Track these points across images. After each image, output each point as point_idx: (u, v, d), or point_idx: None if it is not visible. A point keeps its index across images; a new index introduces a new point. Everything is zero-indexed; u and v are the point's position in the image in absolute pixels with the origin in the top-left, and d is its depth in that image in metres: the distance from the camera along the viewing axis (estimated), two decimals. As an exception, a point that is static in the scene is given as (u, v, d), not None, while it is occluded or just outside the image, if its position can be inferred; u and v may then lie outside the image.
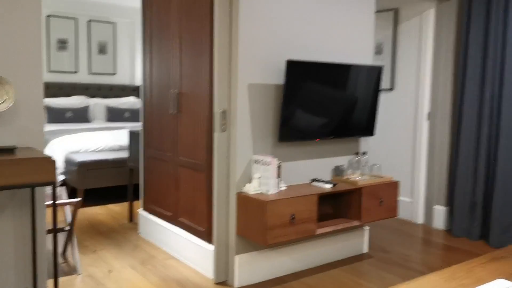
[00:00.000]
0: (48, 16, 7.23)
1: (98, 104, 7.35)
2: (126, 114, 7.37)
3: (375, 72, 3.67)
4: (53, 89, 7.21)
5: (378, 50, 5.12)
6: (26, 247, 2.55)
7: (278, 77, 3.30)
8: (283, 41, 3.31)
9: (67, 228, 3.56)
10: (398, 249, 4.05)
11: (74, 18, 7.47)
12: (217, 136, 3.20)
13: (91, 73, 7.68)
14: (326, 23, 3.52)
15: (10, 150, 2.22)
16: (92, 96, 7.53)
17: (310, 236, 3.37)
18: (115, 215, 4.90)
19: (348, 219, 3.48)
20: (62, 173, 5.34)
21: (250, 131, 3.21)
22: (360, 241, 3.89)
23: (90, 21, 7.62)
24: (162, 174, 3.96)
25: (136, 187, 5.28)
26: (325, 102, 3.42)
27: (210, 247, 3.33)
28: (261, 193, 3.13)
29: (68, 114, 6.87)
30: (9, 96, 2.24)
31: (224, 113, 3.19)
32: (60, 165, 5.34)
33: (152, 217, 4.08)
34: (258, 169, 3.17)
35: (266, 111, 3.27)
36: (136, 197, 5.20)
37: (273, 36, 3.25)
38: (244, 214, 3.12)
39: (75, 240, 3.54)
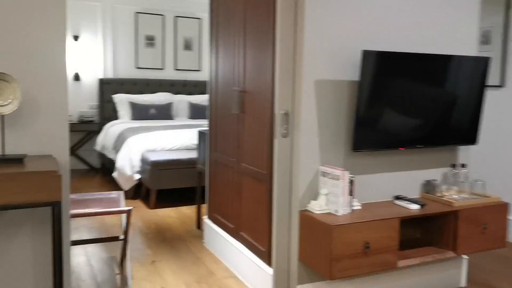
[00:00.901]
0: (137, 13, 7.13)
1: (181, 101, 7.12)
2: (207, 111, 7.05)
3: (480, 65, 2.88)
4: (140, 86, 7.10)
5: (485, 40, 4.21)
6: (47, 265, 2.21)
7: (352, 72, 2.67)
8: (357, 29, 2.66)
9: (122, 237, 3.24)
10: (506, 285, 3.21)
11: (161, 15, 7.30)
12: (277, 142, 2.66)
13: (176, 69, 7.48)
14: (414, 7, 2.80)
15: (17, 160, 1.87)
16: (177, 93, 7.33)
17: (389, 270, 2.71)
18: (185, 220, 4.55)
19: (440, 248, 2.75)
20: (137, 172, 5.11)
21: (317, 137, 2.62)
22: (456, 272, 3.12)
23: (176, 17, 7.42)
24: (226, 181, 3.50)
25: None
26: (413, 102, 2.72)
27: (270, 271, 2.80)
28: (328, 213, 2.54)
29: (152, 111, 6.71)
30: (15, 97, 1.88)
31: (286, 116, 2.64)
32: (136, 164, 5.12)
33: (216, 227, 3.64)
34: (326, 183, 2.58)
35: (337, 113, 2.66)
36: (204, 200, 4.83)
37: (346, 23, 2.62)
38: (308, 238, 2.54)
39: (128, 250, 3.21)
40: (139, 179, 5.12)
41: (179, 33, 7.44)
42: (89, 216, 2.97)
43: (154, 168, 4.85)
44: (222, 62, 3.55)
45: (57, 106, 2.09)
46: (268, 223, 2.83)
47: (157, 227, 4.32)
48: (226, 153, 3.47)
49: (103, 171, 6.73)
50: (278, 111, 2.65)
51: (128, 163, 5.12)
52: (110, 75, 7.00)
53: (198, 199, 4.30)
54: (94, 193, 3.49)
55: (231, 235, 3.38)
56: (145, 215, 4.68)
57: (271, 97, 2.76)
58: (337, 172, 2.50)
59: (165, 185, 4.92)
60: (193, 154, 5.09)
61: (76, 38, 6.73)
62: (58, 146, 2.10)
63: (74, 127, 6.50)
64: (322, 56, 2.59)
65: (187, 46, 7.53)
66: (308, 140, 2.60)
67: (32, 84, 2.05)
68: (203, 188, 4.18)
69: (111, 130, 6.17)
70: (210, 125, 3.80)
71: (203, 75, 7.68)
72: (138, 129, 5.78)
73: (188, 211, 4.85)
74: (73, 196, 3.36)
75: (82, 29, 6.80)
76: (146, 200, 5.15)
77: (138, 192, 5.33)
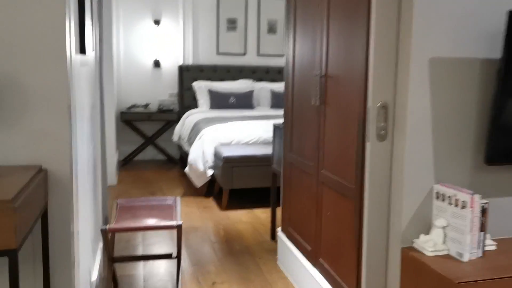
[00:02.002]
0: (218, -5, 6.50)
1: (263, 89, 6.40)
2: (293, 100, 6.26)
3: None
4: (220, 73, 6.49)
5: None
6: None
7: (487, 45, 1.75)
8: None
9: (174, 255, 2.60)
10: None
11: (244, -4, 6.61)
12: (371, 147, 1.83)
13: (259, 54, 6.77)
14: None
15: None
16: (259, 79, 6.62)
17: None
18: (258, 227, 3.84)
19: None
20: (210, 168, 4.49)
21: (431, 141, 1.75)
22: None
23: (260, -2, 6.68)
24: (302, 190, 2.72)
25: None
26: None
27: (357, 321, 2.00)
28: (447, 257, 1.67)
29: (231, 100, 6.07)
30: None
31: (384, 110, 1.79)
32: (209, 159, 4.50)
33: (291, 245, 2.88)
34: (444, 210, 1.70)
35: (462, 106, 1.76)
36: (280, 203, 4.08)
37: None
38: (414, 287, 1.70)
39: (180, 271, 2.56)
40: (212, 175, 4.50)
41: (262, 15, 6.70)
42: (128, 231, 2.36)
43: (226, 165, 4.19)
44: (300, 42, 2.75)
45: (53, 96, 1.44)
46: (356, 256, 2.02)
47: (226, 234, 3.65)
48: (304, 155, 2.68)
49: (182, 163, 6.23)
50: (373, 104, 1.81)
51: (201, 157, 4.52)
52: (190, 61, 6.47)
53: (273, 203, 3.56)
54: (147, 198, 2.88)
55: (308, 259, 2.60)
56: (215, 217, 4.05)
57: (363, 83, 1.93)
58: (462, 195, 1.62)
59: (238, 184, 4.25)
60: (271, 150, 4.36)
61: (157, 22, 6.26)
62: (54, 152, 1.45)
63: (153, 116, 6.06)
64: (441, 22, 1.70)
65: (271, 29, 6.78)
66: (417, 145, 1.74)
67: (17, 66, 1.42)
68: (278, 189, 3.44)
69: (188, 120, 5.63)
70: (286, 120, 3.03)
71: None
72: (214, 119, 5.16)
73: (263, 215, 4.14)
74: (120, 201, 2.77)
75: (163, 13, 6.32)
76: (219, 198, 4.52)
77: (211, 189, 4.72)
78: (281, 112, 5.79)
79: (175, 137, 5.88)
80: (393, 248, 1.82)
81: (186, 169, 4.67)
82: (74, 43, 1.77)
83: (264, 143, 4.66)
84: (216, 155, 4.42)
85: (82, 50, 1.96)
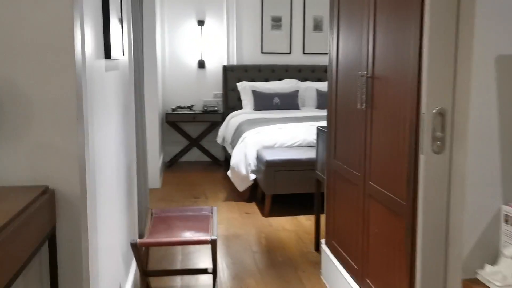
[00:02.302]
0: (263, -7, 6.30)
1: (308, 88, 6.14)
2: (340, 99, 5.96)
3: None
4: (265, 72, 6.30)
5: None
6: None
7: None
8: None
9: (210, 270, 2.43)
10: None
11: (289, -7, 6.38)
12: (425, 159, 1.57)
13: (305, 53, 6.51)
14: None
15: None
16: (305, 79, 6.36)
17: None
18: (302, 235, 3.61)
19: None
20: (253, 172, 4.31)
21: (497, 154, 1.47)
22: None
23: (306, -6, 6.43)
24: (348, 201, 2.48)
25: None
26: None
27: None
28: (518, 292, 1.39)
29: (275, 100, 5.85)
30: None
31: (441, 117, 1.53)
32: (252, 162, 4.32)
33: (335, 260, 2.64)
34: (514, 237, 1.42)
35: (539, 113, 1.47)
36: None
37: None
38: (477, 327, 1.43)
39: (216, 286, 2.39)
40: (255, 180, 4.31)
41: (308, 12, 6.44)
42: (158, 246, 2.21)
43: (269, 169, 3.99)
44: (344, 40, 2.51)
45: (60, 107, 1.29)
46: (408, 283, 1.76)
47: (268, 243, 3.46)
48: (349, 163, 2.43)
49: (226, 165, 6.10)
50: (428, 109, 1.55)
51: (243, 161, 4.34)
52: (234, 61, 6.32)
53: (317, 210, 3.33)
54: (183, 208, 2.73)
55: (354, 279, 2.35)
56: (257, 224, 3.86)
57: (415, 85, 1.66)
58: (539, 220, 1.34)
59: (281, 189, 4.04)
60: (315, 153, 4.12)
61: (201, 23, 6.15)
62: (62, 170, 1.30)
63: (198, 117, 5.95)
64: (511, 11, 1.42)
65: (317, 26, 6.50)
66: (481, 158, 1.47)
67: (19, 75, 1.28)
68: (323, 195, 3.20)
69: (231, 122, 5.47)
70: (329, 123, 2.79)
71: (335, 58, 6.58)
72: (257, 121, 4.97)
73: (307, 222, 3.90)
74: (155, 211, 2.63)
75: (207, 13, 6.20)
76: (262, 203, 4.33)
77: (254, 193, 4.54)
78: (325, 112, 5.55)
79: (219, 139, 5.75)
80: (452, 278, 1.55)
81: (229, 173, 4.51)
82: (94, 49, 1.63)
83: (309, 146, 4.42)
84: (259, 158, 4.23)
85: (107, 55, 1.82)
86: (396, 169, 1.87)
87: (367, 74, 2.15)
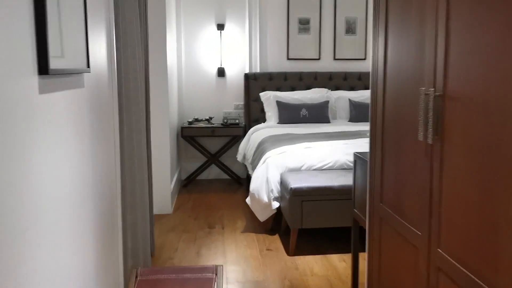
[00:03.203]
0: (289, -7, 5.64)
1: (340, 98, 5.42)
2: (376, 111, 5.22)
3: None
4: (291, 81, 5.62)
5: None
6: None
7: None
8: None
9: None
10: None
11: (318, -7, 5.70)
12: None
13: (336, 58, 5.80)
14: None
15: None
16: (336, 88, 5.65)
17: None
18: (336, 283, 2.91)
19: None
20: (276, 199, 3.64)
21: None
22: None
23: (336, -6, 5.73)
24: (401, 265, 1.78)
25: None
26: None
27: None
28: None
29: (303, 112, 5.16)
30: None
31: None
32: (275, 188, 3.65)
33: (381, 338, 1.94)
34: None
35: None
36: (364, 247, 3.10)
37: None
38: None
39: None
40: (278, 208, 3.64)
41: (339, 13, 5.73)
42: None
43: (294, 199, 3.31)
44: (396, 44, 1.81)
45: None
46: None
47: (293, 293, 2.78)
48: (403, 214, 1.74)
49: (248, 184, 5.45)
50: None
51: (264, 186, 3.67)
52: (257, 68, 5.67)
53: (355, 250, 2.63)
54: (179, 267, 2.09)
55: None
56: (280, 265, 3.18)
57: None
58: None
59: (309, 223, 3.35)
60: (351, 179, 3.41)
61: (221, 27, 5.53)
62: None
63: (217, 131, 5.32)
64: None
65: (350, 29, 5.78)
66: None
67: None
68: (361, 230, 2.50)
69: (253, 138, 4.82)
70: (372, 153, 2.10)
71: (369, 65, 5.84)
72: (282, 138, 4.30)
73: (342, 264, 3.20)
74: (142, 271, 1.99)
75: (227, 17, 5.58)
76: (286, 236, 3.65)
77: (277, 224, 3.86)
78: (362, 126, 4.81)
79: (239, 156, 5.10)
80: None
81: (248, 200, 3.85)
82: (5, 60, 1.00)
83: (342, 168, 3.72)
84: (283, 184, 3.55)
85: (43, 68, 1.19)
86: (490, 238, 1.17)
87: (434, 91, 1.46)
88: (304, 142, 3.99)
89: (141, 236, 2.77)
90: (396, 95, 1.82)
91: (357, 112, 5.25)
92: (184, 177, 5.71)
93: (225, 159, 5.68)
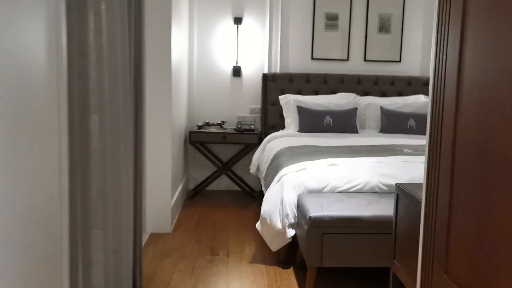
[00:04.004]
0: (316, -15, 4.99)
1: (370, 105, 4.74)
2: (410, 123, 4.53)
3: None
4: (315, 84, 4.97)
5: None
6: None
7: None
8: None
9: None
10: None
11: (348, -14, 5.03)
12: None
13: (366, 60, 5.12)
14: None
15: None
16: (365, 93, 4.97)
17: None
18: None
19: None
20: (291, 226, 3.00)
21: None
22: None
23: (370, -13, 5.05)
24: None
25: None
26: None
27: None
28: None
29: (327, 120, 4.51)
30: None
31: None
32: (290, 212, 3.01)
33: None
34: None
35: None
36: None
37: None
38: None
39: None
40: (294, 237, 3.01)
41: (372, 9, 5.05)
42: None
43: (314, 230, 2.67)
44: (482, 47, 1.16)
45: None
46: None
47: None
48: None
49: (261, 197, 4.83)
50: None
51: (278, 209, 3.05)
52: (277, 69, 5.04)
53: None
54: None
55: None
56: (293, 313, 2.55)
57: None
58: None
59: (330, 260, 2.70)
60: (386, 208, 2.76)
61: (238, 21, 4.92)
62: None
63: (230, 138, 4.71)
64: None
65: (383, 27, 5.10)
66: None
67: None
68: (403, 285, 1.86)
69: (268, 148, 4.20)
70: (430, 190, 1.45)
71: (404, 68, 5.15)
72: (301, 150, 3.66)
73: (371, 317, 2.55)
74: None
75: (246, 9, 4.97)
76: (302, 271, 3.01)
77: (292, 255, 3.22)
78: (395, 139, 4.12)
79: (252, 168, 4.48)
80: None
81: (257, 225, 3.22)
82: None
83: (373, 192, 3.06)
84: (300, 208, 2.92)
85: None
86: None
87: None
88: (328, 157, 3.34)
89: (114, 271, 2.17)
90: (486, 115, 1.17)
91: (389, 122, 4.57)
92: (191, 186, 5.12)
93: (237, 168, 5.07)
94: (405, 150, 3.50)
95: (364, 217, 2.68)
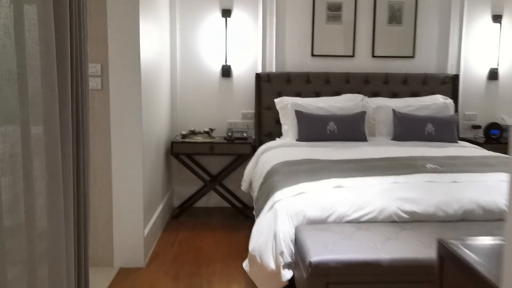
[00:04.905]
0: (315, -28, 4.34)
1: (381, 109, 4.09)
2: (428, 128, 3.87)
3: None
4: (316, 84, 4.32)
5: None
6: None
7: None
8: None
9: None
10: None
11: (353, -29, 4.38)
12: None
13: (375, 56, 4.47)
14: None
15: None
16: (374, 94, 4.32)
17: None
18: None
19: None
20: (287, 266, 2.36)
21: None
22: None
23: (377, -28, 4.40)
24: None
25: None
26: None
27: None
28: None
29: (331, 126, 3.85)
30: None
31: None
32: (286, 248, 2.36)
33: None
34: None
35: None
36: None
37: None
38: None
39: None
40: (291, 280, 2.36)
41: (380, -3, 4.41)
42: None
43: (315, 280, 2.02)
44: None
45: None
46: None
47: None
48: None
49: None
50: None
51: (270, 245, 2.40)
52: (272, 67, 4.39)
53: None
54: None
55: None
56: None
57: None
58: None
59: (339, 322, 2.06)
60: (410, 245, 2.11)
61: (226, 13, 4.28)
62: None
63: (218, 148, 4.06)
64: None
65: (394, 18, 4.44)
66: None
67: None
68: None
69: (262, 161, 3.56)
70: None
71: (418, 65, 4.49)
72: (299, 166, 3.01)
73: None
74: None
75: (236, 0, 4.32)
76: (303, 324, 2.36)
77: (290, 299, 2.58)
78: (411, 148, 3.45)
79: (244, 184, 3.83)
80: None
81: (245, 265, 2.58)
82: None
83: (391, 221, 2.41)
84: (298, 247, 2.27)
85: None
86: None
87: None
88: (332, 177, 2.68)
89: None
90: None
91: (403, 128, 3.91)
92: (177, 203, 4.48)
93: (228, 182, 4.43)
94: (427, 166, 2.85)
95: (381, 261, 2.03)
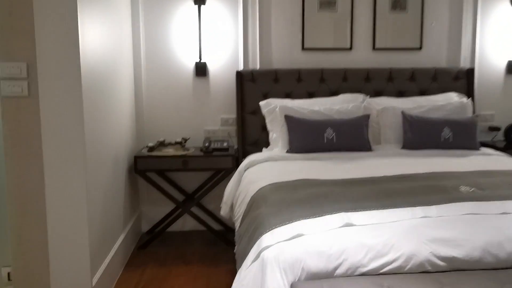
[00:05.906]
0: (304, -50, 3.66)
1: (386, 110, 3.41)
2: (445, 133, 3.20)
3: None
4: (308, 83, 3.64)
5: None
6: None
7: None
8: None
9: None
10: None
11: (348, -51, 3.71)
12: None
13: (376, 48, 3.81)
14: None
15: None
16: (377, 93, 3.66)
17: None
18: None
19: None
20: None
21: None
22: None
23: (377, -50, 3.73)
24: None
25: None
26: None
27: None
28: None
29: (328, 134, 3.17)
30: None
31: None
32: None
33: None
34: None
35: None
36: None
37: None
38: None
39: None
40: None
41: (382, -22, 3.75)
42: None
43: None
44: None
45: None
46: None
47: None
48: None
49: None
50: None
51: (257, 307, 1.71)
52: (256, 64, 3.70)
53: None
54: None
55: None
56: None
57: None
58: None
59: None
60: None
61: (200, 0, 3.57)
62: None
63: (193, 163, 3.36)
64: None
65: (397, 3, 3.79)
66: None
67: None
68: None
69: (245, 179, 2.88)
70: None
71: (427, 58, 3.84)
72: (293, 192, 2.32)
73: None
74: None
75: (210, -13, 3.63)
76: None
77: None
78: (432, 159, 2.54)
79: (224, 207, 3.12)
80: None
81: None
82: None
83: (421, 272, 1.73)
84: (297, 315, 1.58)
85: None
86: None
87: None
88: (339, 210, 1.99)
89: None
90: None
91: (415, 134, 3.24)
92: (146, 228, 3.77)
93: (207, 201, 3.73)
94: (461, 189, 2.17)
95: None
